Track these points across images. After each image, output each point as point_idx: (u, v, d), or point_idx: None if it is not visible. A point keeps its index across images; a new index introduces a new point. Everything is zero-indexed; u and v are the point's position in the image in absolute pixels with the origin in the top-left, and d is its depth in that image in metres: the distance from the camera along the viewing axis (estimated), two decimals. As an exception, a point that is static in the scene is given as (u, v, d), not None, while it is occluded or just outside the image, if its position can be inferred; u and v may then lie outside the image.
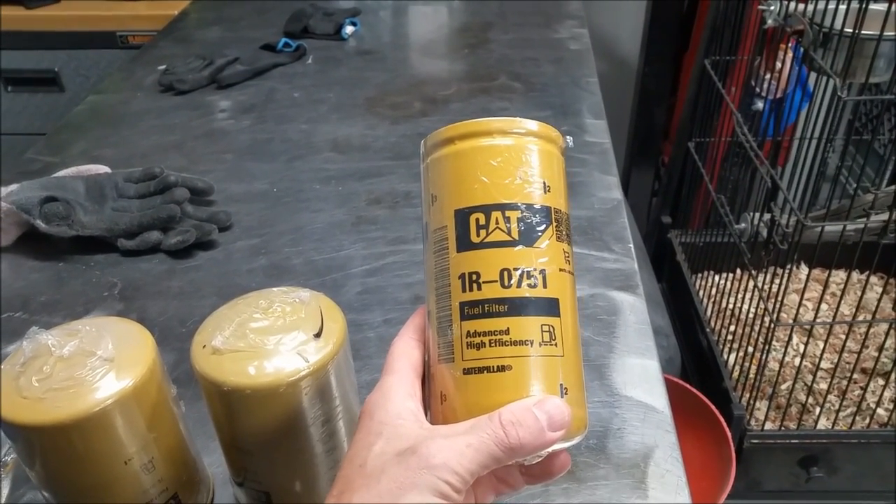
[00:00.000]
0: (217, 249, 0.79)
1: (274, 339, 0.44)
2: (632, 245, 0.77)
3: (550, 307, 0.36)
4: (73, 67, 1.60)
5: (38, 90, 1.62)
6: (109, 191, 0.82)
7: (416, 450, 0.33)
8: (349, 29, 1.29)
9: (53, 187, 0.80)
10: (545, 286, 0.36)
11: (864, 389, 1.21)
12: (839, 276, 1.51)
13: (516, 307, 0.35)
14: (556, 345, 0.35)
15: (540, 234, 0.36)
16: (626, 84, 1.96)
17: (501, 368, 0.35)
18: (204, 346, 0.44)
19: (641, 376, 0.62)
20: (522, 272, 0.35)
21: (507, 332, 0.35)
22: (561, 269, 0.36)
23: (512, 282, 0.35)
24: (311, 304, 0.47)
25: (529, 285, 0.35)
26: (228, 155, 0.96)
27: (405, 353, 0.38)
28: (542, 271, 0.36)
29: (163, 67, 1.17)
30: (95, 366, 0.43)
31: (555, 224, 0.37)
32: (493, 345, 0.35)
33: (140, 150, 0.98)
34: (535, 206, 0.36)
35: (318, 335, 0.44)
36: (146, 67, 1.20)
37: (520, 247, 0.36)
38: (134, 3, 1.57)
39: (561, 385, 0.35)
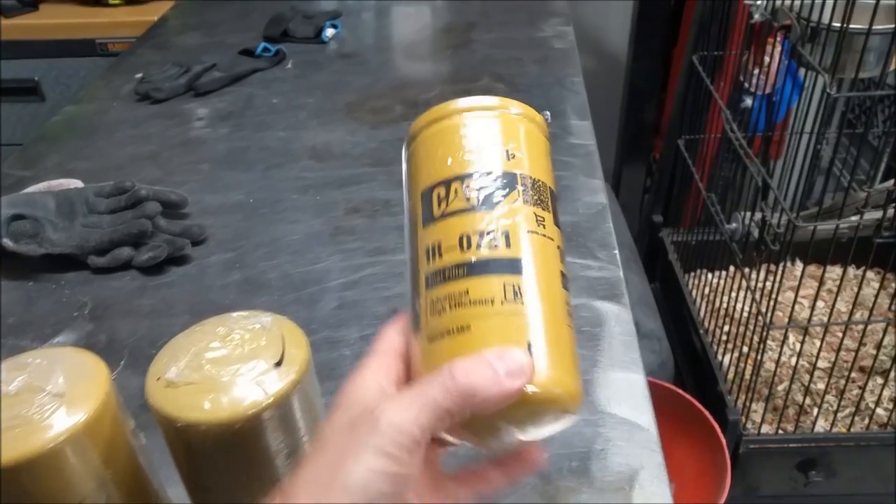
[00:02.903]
0: (190, 265, 0.77)
1: (231, 370, 0.41)
2: (617, 252, 0.75)
3: (514, 266, 0.35)
4: (54, 76, 1.57)
5: (18, 100, 1.59)
6: (80, 206, 0.79)
7: (364, 414, 0.32)
8: (329, 32, 1.26)
9: (22, 204, 0.78)
10: (508, 246, 0.35)
11: (863, 389, 1.19)
12: (836, 271, 1.49)
13: (475, 268, 0.34)
14: (521, 303, 0.34)
15: (502, 198, 0.36)
16: (616, 80, 1.94)
17: (461, 329, 0.34)
18: (158, 379, 0.42)
19: (627, 391, 0.59)
20: (482, 234, 0.35)
21: (466, 293, 0.34)
22: (530, 231, 0.36)
23: (471, 245, 0.35)
24: (273, 330, 0.44)
25: (490, 246, 0.35)
26: (204, 165, 0.94)
27: (387, 337, 0.37)
28: (505, 233, 0.35)
29: (139, 76, 1.14)
30: (44, 402, 0.40)
31: (521, 189, 0.36)
32: (452, 307, 0.34)
33: (115, 162, 0.95)
34: (495, 172, 0.36)
35: (278, 364, 0.42)
36: (123, 76, 1.18)
37: (480, 211, 0.36)
38: (113, 9, 1.55)
39: (528, 343, 0.33)
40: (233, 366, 0.42)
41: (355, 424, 0.32)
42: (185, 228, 0.79)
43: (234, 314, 0.46)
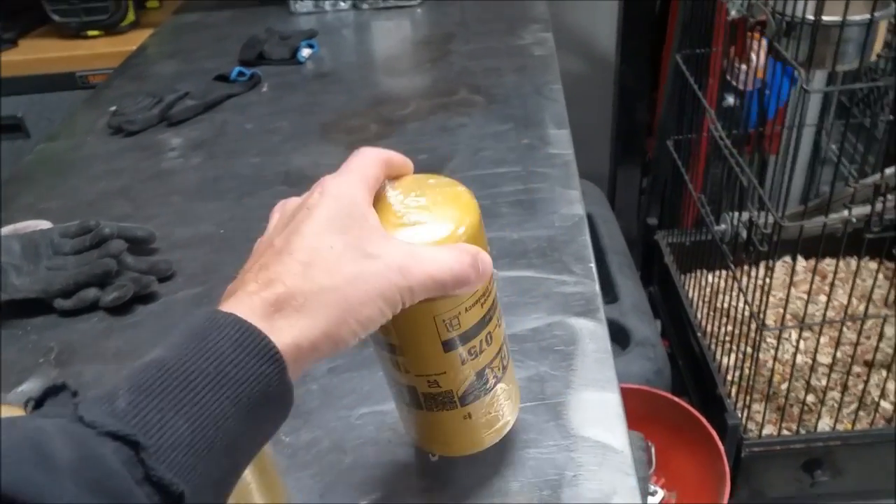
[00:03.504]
0: (157, 302, 0.75)
1: None
2: (593, 265, 0.73)
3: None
4: (37, 112, 1.57)
5: (2, 138, 1.59)
6: (44, 249, 0.78)
7: (385, 254, 0.36)
8: (306, 52, 1.25)
9: (-13, 249, 0.77)
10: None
11: (866, 383, 1.15)
12: (834, 264, 1.45)
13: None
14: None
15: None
16: (606, 82, 1.92)
17: None
18: None
19: (601, 413, 0.57)
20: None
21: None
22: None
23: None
24: None
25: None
26: (176, 197, 0.92)
27: (373, 164, 0.40)
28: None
29: (113, 108, 1.13)
30: None
31: None
32: None
33: (86, 199, 0.94)
34: None
35: None
36: (98, 109, 1.17)
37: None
38: (92, 41, 1.54)
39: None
40: None
41: (370, 255, 0.36)
42: (152, 265, 0.77)
43: None
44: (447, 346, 0.43)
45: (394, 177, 0.43)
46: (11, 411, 0.42)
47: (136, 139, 1.07)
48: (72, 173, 1.01)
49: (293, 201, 0.40)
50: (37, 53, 1.55)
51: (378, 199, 0.41)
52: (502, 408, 0.49)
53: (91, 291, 0.74)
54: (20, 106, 1.55)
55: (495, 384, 0.47)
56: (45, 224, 0.84)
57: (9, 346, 0.72)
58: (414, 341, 0.43)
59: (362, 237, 0.36)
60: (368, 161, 0.40)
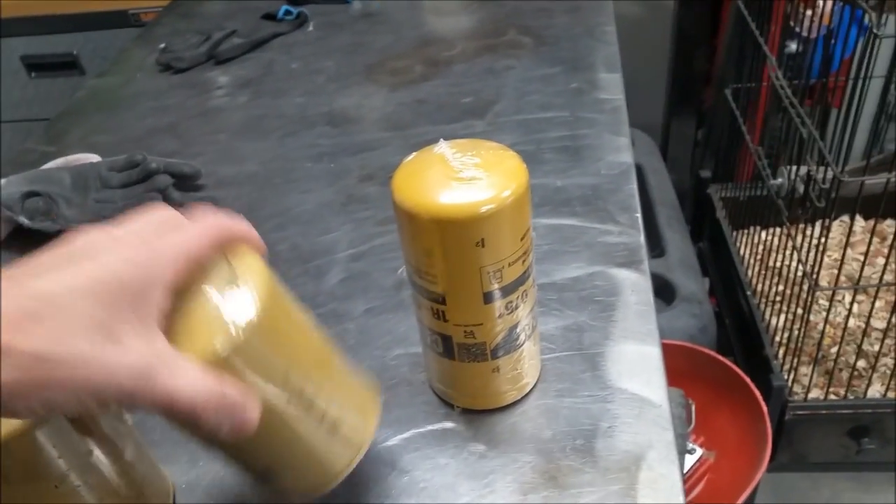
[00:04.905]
0: (202, 238, 0.76)
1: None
2: (639, 215, 0.70)
3: None
4: (91, 49, 1.59)
5: (59, 75, 1.62)
6: (93, 181, 0.79)
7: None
8: (353, -10, 1.23)
9: (38, 181, 0.78)
10: None
11: (923, 350, 1.11)
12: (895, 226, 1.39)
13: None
14: None
15: None
16: (663, 26, 1.83)
17: None
18: None
19: (639, 365, 0.56)
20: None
21: None
22: None
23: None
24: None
25: None
26: (222, 135, 0.93)
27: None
28: None
29: (163, 46, 1.13)
30: None
31: None
32: None
33: (134, 135, 0.95)
34: None
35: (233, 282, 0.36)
36: (147, 47, 1.17)
37: None
38: (144, -22, 1.54)
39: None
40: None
41: (116, 341, 0.30)
42: (198, 201, 0.78)
43: None
44: (488, 297, 0.44)
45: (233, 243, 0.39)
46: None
47: (183, 77, 1.07)
48: (121, 109, 1.02)
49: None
50: (89, -10, 1.56)
51: (435, 157, 0.44)
52: (527, 367, 0.51)
53: (137, 225, 0.75)
54: (76, 43, 1.57)
55: (524, 342, 0.49)
56: (94, 157, 0.86)
57: (58, 276, 0.74)
58: (458, 290, 0.44)
59: (123, 318, 0.30)
60: (204, 238, 0.36)
